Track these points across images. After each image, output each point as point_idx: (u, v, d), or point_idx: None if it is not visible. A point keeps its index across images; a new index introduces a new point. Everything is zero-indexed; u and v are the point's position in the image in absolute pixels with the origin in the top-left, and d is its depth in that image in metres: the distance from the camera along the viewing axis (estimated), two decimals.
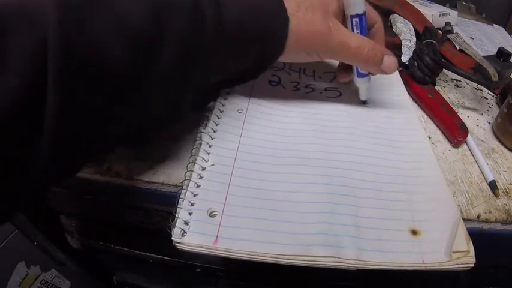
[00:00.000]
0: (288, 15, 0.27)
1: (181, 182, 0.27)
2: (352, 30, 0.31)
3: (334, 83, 0.39)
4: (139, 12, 0.20)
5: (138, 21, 0.20)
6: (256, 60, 0.28)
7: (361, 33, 0.31)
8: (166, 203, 0.30)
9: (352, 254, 0.23)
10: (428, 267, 0.23)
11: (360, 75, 0.34)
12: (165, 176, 0.29)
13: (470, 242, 0.24)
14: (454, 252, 0.24)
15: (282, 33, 0.27)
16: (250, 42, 0.26)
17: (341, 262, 0.22)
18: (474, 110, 0.42)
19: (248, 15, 0.26)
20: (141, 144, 0.30)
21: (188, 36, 0.22)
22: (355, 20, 0.31)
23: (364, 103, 0.37)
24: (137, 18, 0.20)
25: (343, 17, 0.31)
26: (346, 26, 0.31)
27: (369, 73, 0.34)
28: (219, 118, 0.30)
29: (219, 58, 0.26)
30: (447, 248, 0.24)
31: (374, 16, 0.33)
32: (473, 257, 0.24)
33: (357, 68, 0.34)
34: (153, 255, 0.39)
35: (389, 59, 0.31)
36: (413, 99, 0.41)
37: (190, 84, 0.25)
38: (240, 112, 0.32)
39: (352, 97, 0.37)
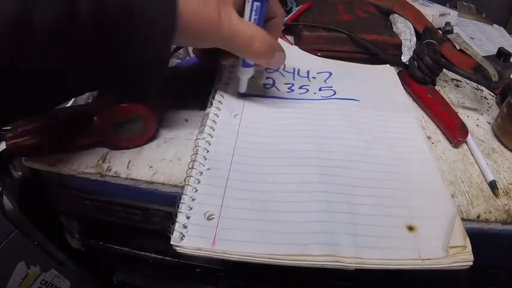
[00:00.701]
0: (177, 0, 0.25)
1: (181, 184, 0.27)
2: (250, 16, 0.29)
3: (328, 82, 0.39)
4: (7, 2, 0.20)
5: (7, 12, 0.20)
6: (138, 50, 0.25)
7: (258, 20, 0.29)
8: (166, 203, 0.30)
9: (349, 252, 0.23)
10: (426, 265, 0.23)
11: (246, 65, 0.32)
12: (165, 176, 0.29)
13: (467, 237, 0.25)
14: (451, 247, 0.24)
15: (170, 17, 0.25)
16: (132, 28, 0.24)
17: (338, 261, 0.22)
18: (474, 110, 0.42)
19: None
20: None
21: (58, 24, 0.21)
22: (256, 4, 0.29)
23: (242, 96, 0.35)
24: (6, 8, 0.20)
25: (243, 7, 0.29)
26: (244, 12, 0.29)
27: (255, 64, 0.32)
28: (215, 123, 0.30)
29: (98, 50, 0.24)
30: (444, 244, 0.24)
31: (277, 9, 0.31)
32: (471, 253, 0.24)
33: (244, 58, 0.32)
34: (153, 255, 0.39)
35: (279, 55, 0.30)
36: (413, 99, 0.41)
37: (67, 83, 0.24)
38: (235, 116, 0.32)
39: (348, 96, 0.37)
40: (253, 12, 0.29)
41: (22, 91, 0.23)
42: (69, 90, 0.27)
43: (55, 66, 0.23)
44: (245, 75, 0.33)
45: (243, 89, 0.34)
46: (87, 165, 0.29)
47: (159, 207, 0.31)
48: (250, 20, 0.29)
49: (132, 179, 0.29)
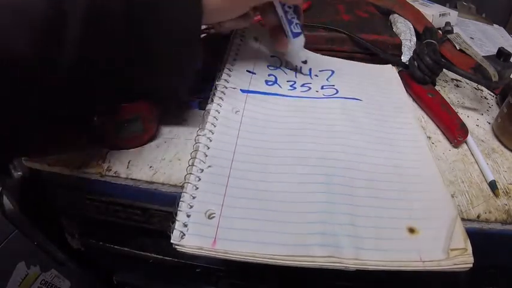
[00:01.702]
0: None
1: (181, 183, 0.27)
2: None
3: (331, 81, 0.39)
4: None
5: (40, 8, 0.20)
6: (175, 31, 0.26)
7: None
8: (166, 203, 0.30)
9: (350, 253, 0.23)
10: (426, 267, 0.23)
11: (296, 35, 0.34)
12: (165, 176, 0.29)
13: (468, 240, 0.24)
14: (452, 249, 0.24)
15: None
16: (161, 10, 0.25)
17: (339, 262, 0.22)
18: (474, 110, 0.42)
19: None
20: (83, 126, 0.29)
21: (93, 15, 0.22)
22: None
23: (305, 63, 0.38)
24: (38, 5, 0.20)
25: None
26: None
27: (302, 31, 0.34)
28: (216, 119, 0.30)
29: (129, 42, 0.24)
30: (444, 246, 0.24)
31: None
32: (471, 255, 0.24)
33: (291, 27, 0.34)
34: (153, 255, 0.39)
35: None
36: (413, 99, 0.41)
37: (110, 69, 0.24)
38: (236, 113, 0.32)
39: (350, 95, 0.37)
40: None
41: (60, 92, 0.23)
42: (103, 94, 0.26)
43: (89, 60, 0.23)
44: (300, 44, 0.35)
45: (304, 56, 0.37)
46: (87, 165, 0.29)
47: (159, 207, 0.31)
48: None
49: (132, 179, 0.29)
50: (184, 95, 0.30)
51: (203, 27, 0.39)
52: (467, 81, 0.47)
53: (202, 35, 0.41)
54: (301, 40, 0.35)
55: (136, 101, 0.28)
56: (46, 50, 0.21)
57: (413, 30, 0.52)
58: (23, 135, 0.24)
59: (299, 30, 0.34)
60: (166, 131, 0.33)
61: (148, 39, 0.25)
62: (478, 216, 0.29)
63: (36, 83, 0.21)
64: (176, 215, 0.23)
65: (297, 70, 0.39)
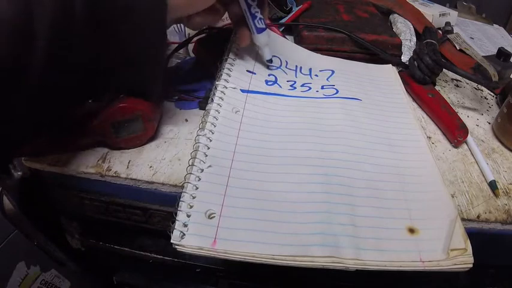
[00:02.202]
0: None
1: (181, 183, 0.27)
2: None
3: (331, 80, 0.39)
4: (7, 3, 0.20)
5: (7, 14, 0.20)
6: (141, 29, 0.26)
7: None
8: (166, 203, 0.30)
9: (350, 254, 0.23)
10: (426, 267, 0.23)
11: (260, 31, 0.34)
12: (165, 176, 0.29)
13: (468, 240, 0.24)
14: (452, 250, 0.24)
15: None
16: (126, 10, 0.25)
17: (339, 262, 0.22)
18: (474, 110, 0.42)
19: None
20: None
21: (59, 18, 0.22)
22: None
23: (270, 62, 0.37)
24: (6, 10, 0.20)
25: None
26: None
27: (266, 27, 0.34)
28: (216, 119, 0.30)
29: (102, 39, 0.24)
30: (444, 246, 0.24)
31: None
32: (471, 255, 0.24)
33: (255, 22, 0.33)
34: (153, 255, 0.39)
35: None
36: (413, 99, 0.41)
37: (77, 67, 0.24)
38: (236, 112, 0.32)
39: (350, 95, 0.37)
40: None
41: (27, 92, 0.22)
42: (75, 93, 0.26)
43: (58, 62, 0.23)
44: (263, 41, 0.35)
45: (268, 55, 0.36)
46: (87, 165, 0.29)
47: (159, 207, 0.31)
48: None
49: (132, 179, 0.29)
50: (156, 88, 0.30)
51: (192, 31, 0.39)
52: (467, 81, 0.47)
53: (203, 35, 0.41)
54: (265, 36, 0.34)
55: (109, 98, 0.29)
56: (15, 58, 0.21)
57: (413, 30, 0.52)
58: (13, 138, 0.24)
59: (263, 26, 0.33)
60: (166, 131, 0.33)
61: (115, 37, 0.25)
62: (478, 216, 0.29)
63: (8, 90, 0.21)
64: (176, 215, 0.23)
65: (296, 70, 0.39)
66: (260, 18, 0.33)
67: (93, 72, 0.26)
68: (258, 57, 0.38)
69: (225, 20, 0.46)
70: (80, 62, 0.24)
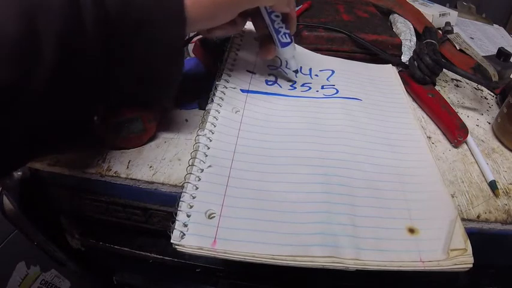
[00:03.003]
0: None
1: (181, 183, 0.27)
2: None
3: (331, 80, 0.39)
4: (10, 19, 0.18)
5: (10, 30, 0.18)
6: (157, 44, 0.24)
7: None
8: (166, 203, 0.30)
9: (350, 254, 0.23)
10: (426, 267, 0.23)
11: (284, 45, 0.33)
12: (165, 176, 0.29)
13: (468, 240, 0.24)
14: (452, 250, 0.24)
15: (176, 1, 0.24)
16: (141, 23, 0.23)
17: (339, 262, 0.22)
18: (474, 110, 0.42)
19: None
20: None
21: (67, 36, 0.20)
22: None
23: (296, 72, 0.37)
24: (9, 27, 0.18)
25: None
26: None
27: (291, 40, 0.33)
28: (216, 119, 0.30)
29: (111, 57, 0.23)
30: (445, 246, 0.24)
31: None
32: (471, 255, 0.24)
33: (279, 37, 0.33)
34: (153, 255, 0.39)
35: None
36: (413, 99, 0.41)
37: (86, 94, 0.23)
38: (236, 112, 0.32)
39: (350, 95, 0.37)
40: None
41: (35, 112, 0.21)
42: (80, 109, 0.25)
43: (65, 81, 0.21)
44: (289, 54, 0.34)
45: (294, 66, 0.36)
46: (87, 165, 0.29)
47: (159, 207, 0.31)
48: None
49: (132, 179, 0.29)
50: (168, 103, 0.29)
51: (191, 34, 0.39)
52: (467, 81, 0.47)
53: (200, 37, 0.41)
54: (290, 50, 0.34)
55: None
56: (19, 74, 0.19)
57: (413, 30, 0.52)
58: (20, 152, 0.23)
59: (288, 40, 0.33)
60: (166, 131, 0.33)
61: (129, 52, 0.24)
62: (478, 216, 0.29)
63: (11, 106, 0.20)
64: (176, 215, 0.23)
65: (296, 70, 0.39)
66: (285, 33, 0.33)
67: (102, 90, 0.24)
68: (258, 57, 0.38)
69: None
70: (88, 80, 0.23)
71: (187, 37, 0.38)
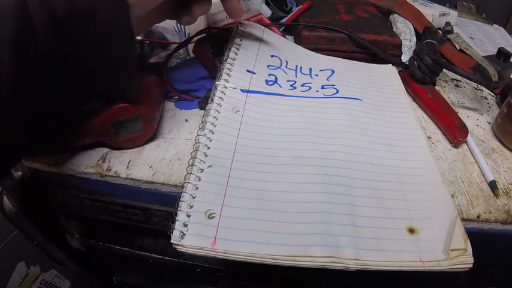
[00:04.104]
0: None
1: (181, 183, 0.27)
2: None
3: (331, 80, 0.39)
4: None
5: None
6: (107, 34, 0.24)
7: None
8: (166, 203, 0.30)
9: (350, 254, 0.23)
10: (426, 267, 0.23)
11: None
12: (165, 176, 0.29)
13: (468, 240, 0.24)
14: (452, 250, 0.24)
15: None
16: (87, 16, 0.23)
17: (339, 262, 0.22)
18: (474, 110, 0.42)
19: None
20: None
21: (20, 41, 0.20)
22: None
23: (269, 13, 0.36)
24: None
25: None
26: None
27: None
28: (216, 119, 0.30)
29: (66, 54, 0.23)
30: (445, 246, 0.24)
31: None
32: (471, 256, 0.24)
33: None
34: (153, 255, 0.39)
35: None
36: (413, 99, 0.41)
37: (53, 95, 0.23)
38: (236, 112, 0.32)
39: (350, 95, 0.37)
40: None
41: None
42: (49, 112, 0.25)
43: (24, 88, 0.22)
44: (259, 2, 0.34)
45: (267, 12, 0.36)
46: (87, 165, 0.29)
47: (159, 207, 0.31)
48: None
49: (132, 179, 0.29)
50: (131, 91, 0.29)
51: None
52: (467, 81, 0.47)
53: (203, 35, 0.41)
54: None
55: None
56: None
57: (413, 30, 0.52)
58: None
59: None
60: (166, 131, 0.33)
61: (82, 46, 0.24)
62: (478, 216, 0.29)
63: None
64: (176, 215, 0.23)
65: (297, 70, 0.39)
66: None
67: (67, 89, 0.24)
68: (258, 57, 0.38)
69: (225, 19, 0.46)
70: (51, 81, 0.23)
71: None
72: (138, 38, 0.43)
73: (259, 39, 0.40)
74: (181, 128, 0.33)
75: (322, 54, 0.43)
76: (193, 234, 0.22)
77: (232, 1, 0.33)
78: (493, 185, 0.31)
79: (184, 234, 0.22)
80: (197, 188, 0.25)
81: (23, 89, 0.21)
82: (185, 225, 0.23)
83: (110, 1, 0.24)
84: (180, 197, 0.24)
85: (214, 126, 0.29)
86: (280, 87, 0.37)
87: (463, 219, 0.28)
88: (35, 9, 0.21)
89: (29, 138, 0.24)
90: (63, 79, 0.24)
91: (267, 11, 0.35)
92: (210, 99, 0.32)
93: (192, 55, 0.43)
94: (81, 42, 0.24)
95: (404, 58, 0.46)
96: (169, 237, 0.22)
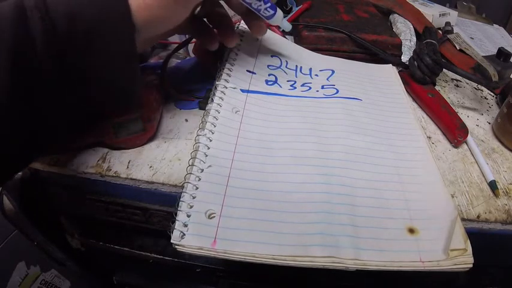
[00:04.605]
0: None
1: (181, 183, 0.27)
2: None
3: (331, 80, 0.39)
4: None
5: None
6: (109, 55, 0.23)
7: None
8: (166, 203, 0.30)
9: (350, 254, 0.23)
10: (426, 267, 0.23)
11: (270, 17, 0.32)
12: (165, 176, 0.29)
13: (468, 240, 0.24)
14: (452, 250, 0.24)
15: (122, 7, 0.23)
16: (89, 35, 0.22)
17: (339, 262, 0.22)
18: (474, 110, 0.42)
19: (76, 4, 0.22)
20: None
21: (18, 55, 0.20)
22: None
23: (290, 28, 0.35)
24: None
25: None
26: None
27: (275, 10, 0.32)
28: (216, 119, 0.30)
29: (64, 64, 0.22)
30: (445, 246, 0.24)
31: None
32: (471, 256, 0.24)
33: (262, 14, 0.31)
34: (153, 255, 0.39)
35: None
36: (413, 99, 0.41)
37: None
38: (237, 112, 0.32)
39: (350, 95, 0.37)
40: None
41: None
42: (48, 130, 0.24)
43: (22, 105, 0.21)
44: (280, 18, 0.33)
45: (288, 26, 0.34)
46: (87, 165, 0.29)
47: (159, 207, 0.31)
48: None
49: (132, 179, 0.29)
50: (132, 107, 0.29)
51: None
52: (467, 81, 0.47)
53: None
54: (278, 17, 0.32)
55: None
56: None
57: (413, 30, 0.52)
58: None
59: (272, 12, 0.32)
60: (166, 131, 0.33)
61: (82, 65, 0.23)
62: (478, 216, 0.29)
63: None
64: (176, 215, 0.23)
65: (297, 70, 0.39)
66: (266, 8, 0.31)
67: (64, 107, 0.24)
68: (258, 57, 0.38)
69: None
70: (48, 99, 0.22)
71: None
72: None
73: (259, 39, 0.40)
74: (181, 128, 0.33)
75: (322, 54, 0.43)
76: (193, 234, 0.22)
77: (258, 23, 0.33)
78: (493, 185, 0.31)
79: (184, 234, 0.22)
80: (197, 188, 0.25)
81: (20, 95, 0.21)
82: (185, 225, 0.23)
83: (114, 23, 0.23)
84: (180, 197, 0.24)
85: (214, 126, 0.29)
86: (280, 87, 0.37)
87: (463, 219, 0.28)
88: (34, 20, 0.21)
89: (28, 145, 0.23)
90: (61, 91, 0.23)
91: (287, 26, 0.35)
92: (210, 99, 0.32)
93: (192, 55, 0.43)
94: (81, 59, 0.23)
95: (404, 58, 0.46)
96: (169, 237, 0.22)
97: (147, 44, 0.31)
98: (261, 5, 0.31)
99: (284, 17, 0.33)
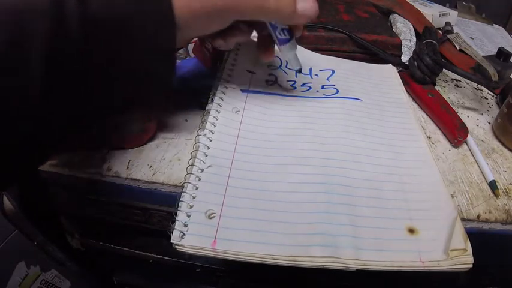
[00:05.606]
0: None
1: (181, 183, 0.27)
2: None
3: (331, 80, 0.39)
4: None
5: None
6: (147, 49, 0.23)
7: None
8: (166, 203, 0.30)
9: (350, 254, 0.23)
10: (426, 267, 0.23)
11: (282, 42, 0.30)
12: (165, 176, 0.29)
13: (468, 240, 0.24)
14: (452, 250, 0.24)
15: (165, 3, 0.23)
16: (126, 26, 0.22)
17: (340, 262, 0.22)
18: (474, 110, 0.42)
19: None
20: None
21: (53, 40, 0.19)
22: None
23: (299, 71, 0.35)
24: None
25: None
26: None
27: (291, 37, 0.30)
28: (216, 119, 0.30)
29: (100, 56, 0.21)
30: (445, 246, 0.24)
31: None
32: (471, 256, 0.24)
33: (276, 33, 0.30)
34: (153, 255, 0.39)
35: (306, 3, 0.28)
36: (413, 99, 0.41)
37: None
38: (237, 112, 0.32)
39: (350, 95, 0.37)
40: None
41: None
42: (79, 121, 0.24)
43: (54, 98, 0.21)
44: (289, 52, 0.31)
45: (297, 65, 0.33)
46: (87, 165, 0.29)
47: (159, 207, 0.31)
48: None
49: (132, 179, 0.29)
50: (161, 110, 0.29)
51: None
52: (467, 81, 0.47)
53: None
54: (290, 47, 0.31)
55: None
56: (6, 93, 0.18)
57: (413, 30, 0.52)
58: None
59: (286, 37, 0.30)
60: (166, 131, 0.33)
61: (117, 55, 0.22)
62: (478, 216, 0.29)
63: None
64: (176, 215, 0.23)
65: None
66: (283, 29, 0.29)
67: (95, 96, 0.23)
68: (258, 57, 0.38)
69: None
70: (79, 87, 0.22)
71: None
72: None
73: None
74: (181, 128, 0.33)
75: (322, 54, 0.43)
76: (193, 234, 0.22)
77: (267, 44, 0.32)
78: (493, 185, 0.31)
79: (184, 234, 0.22)
80: (197, 188, 0.25)
81: (52, 90, 0.20)
82: (185, 225, 0.23)
83: (156, 16, 0.23)
84: (180, 197, 0.24)
85: (214, 126, 0.29)
86: (280, 86, 0.37)
87: (463, 219, 0.28)
88: (71, 5, 0.20)
89: (58, 138, 0.23)
90: (92, 86, 0.22)
91: (295, 64, 0.33)
92: (210, 99, 0.32)
93: (192, 55, 0.43)
94: (116, 51, 0.22)
95: (404, 58, 0.46)
96: (169, 237, 0.22)
97: (179, 45, 0.31)
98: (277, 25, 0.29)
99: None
